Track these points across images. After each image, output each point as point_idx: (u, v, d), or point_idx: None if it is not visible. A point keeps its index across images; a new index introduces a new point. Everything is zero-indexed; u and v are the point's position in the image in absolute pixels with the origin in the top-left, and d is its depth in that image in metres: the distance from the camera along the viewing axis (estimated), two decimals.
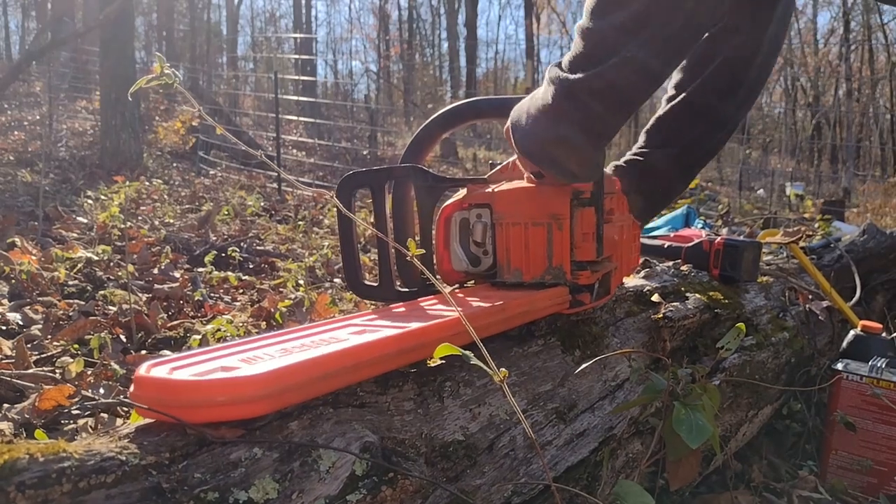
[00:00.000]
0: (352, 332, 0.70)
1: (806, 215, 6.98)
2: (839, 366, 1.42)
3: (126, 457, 0.47)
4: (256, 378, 0.52)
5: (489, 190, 1.02)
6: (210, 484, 0.48)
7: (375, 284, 1.01)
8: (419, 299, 0.92)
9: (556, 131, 0.89)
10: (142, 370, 0.54)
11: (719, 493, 1.27)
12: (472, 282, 1.06)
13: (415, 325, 0.70)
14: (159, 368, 0.55)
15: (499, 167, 1.10)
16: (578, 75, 0.84)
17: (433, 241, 1.03)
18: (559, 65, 0.90)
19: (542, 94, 0.91)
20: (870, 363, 1.41)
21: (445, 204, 1.06)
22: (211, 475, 0.49)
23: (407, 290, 1.01)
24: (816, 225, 4.41)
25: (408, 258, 0.64)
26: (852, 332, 1.57)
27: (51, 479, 0.43)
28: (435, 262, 1.03)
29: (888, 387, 1.36)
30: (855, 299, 1.84)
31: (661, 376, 0.91)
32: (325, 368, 0.58)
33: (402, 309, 0.85)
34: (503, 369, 0.59)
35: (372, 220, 0.95)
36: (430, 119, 1.15)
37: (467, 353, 0.60)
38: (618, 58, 0.82)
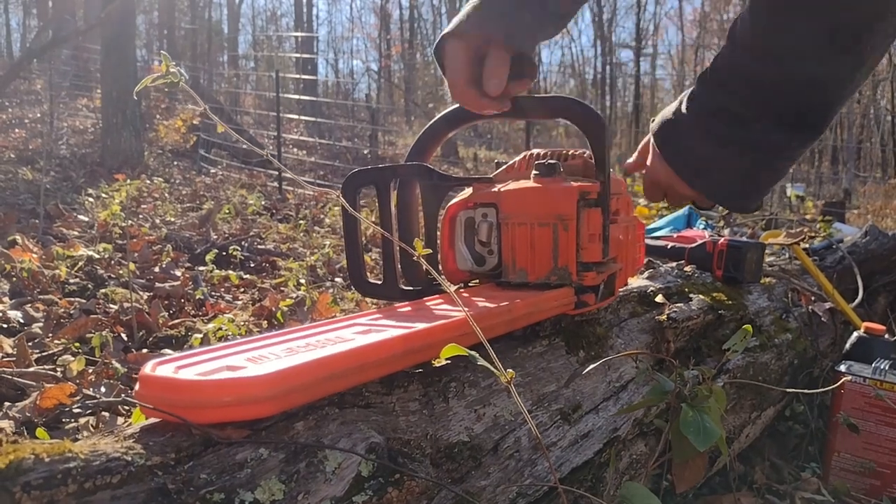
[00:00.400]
0: (357, 331, 0.69)
1: (807, 216, 6.98)
2: (842, 367, 1.42)
3: (132, 457, 0.47)
4: (263, 378, 0.52)
5: (495, 189, 1.01)
6: (216, 485, 0.48)
7: (379, 283, 1.00)
8: (424, 299, 0.91)
9: (750, 176, 0.97)
10: (147, 369, 0.54)
11: (722, 495, 1.27)
12: (477, 281, 1.06)
13: (420, 326, 0.70)
14: (164, 367, 0.54)
15: (504, 167, 1.10)
16: (793, 137, 0.90)
17: (438, 240, 1.03)
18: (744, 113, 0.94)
19: (727, 129, 0.95)
20: (873, 365, 1.41)
21: (450, 203, 1.05)
22: (217, 476, 0.48)
23: (411, 288, 1.00)
24: (817, 226, 4.40)
25: (414, 258, 0.64)
26: (855, 334, 1.57)
27: (56, 479, 0.42)
28: (439, 261, 1.03)
29: (891, 389, 1.36)
30: (857, 301, 1.84)
31: (666, 377, 0.91)
32: (332, 368, 0.58)
33: (407, 308, 0.84)
34: (510, 370, 0.59)
35: (376, 218, 0.94)
36: (435, 118, 1.14)
37: (474, 353, 0.60)
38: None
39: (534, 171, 0.98)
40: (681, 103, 1.03)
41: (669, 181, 1.07)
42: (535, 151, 1.09)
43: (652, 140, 1.08)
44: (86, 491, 0.43)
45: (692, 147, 1.01)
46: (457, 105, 1.07)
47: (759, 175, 0.99)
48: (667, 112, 1.07)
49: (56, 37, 8.80)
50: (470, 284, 1.05)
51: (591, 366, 0.85)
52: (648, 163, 1.12)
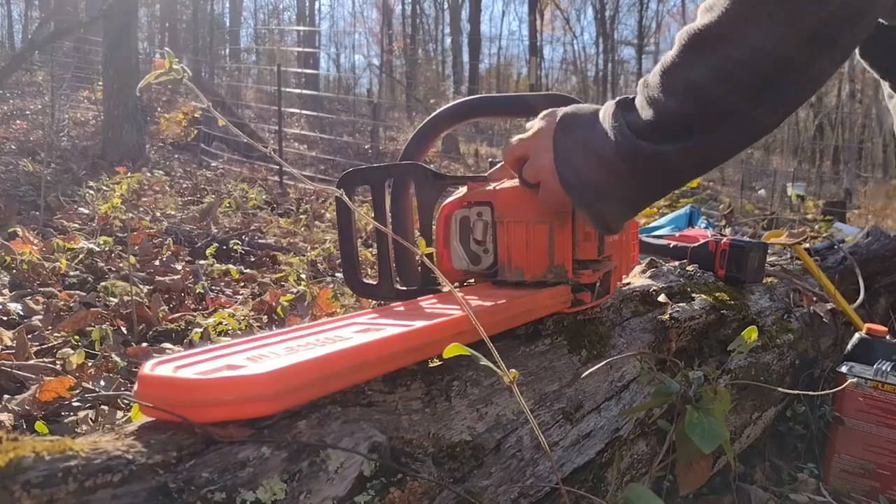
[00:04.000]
0: (356, 330, 0.69)
1: (808, 216, 6.97)
2: (843, 369, 1.41)
3: (133, 456, 0.46)
4: (264, 376, 0.52)
5: (490, 188, 1.01)
6: (217, 484, 0.47)
7: (374, 283, 1.00)
8: (418, 299, 0.91)
9: (614, 193, 0.85)
10: (146, 369, 0.54)
11: (722, 496, 1.27)
12: (472, 280, 1.05)
13: (420, 324, 0.69)
14: (163, 367, 0.54)
15: (499, 165, 1.10)
16: (657, 147, 0.80)
17: (433, 240, 1.02)
18: (629, 122, 0.82)
19: (601, 138, 0.84)
20: (874, 366, 1.40)
21: (446, 202, 1.05)
22: (218, 475, 0.48)
23: (406, 288, 1.00)
24: (818, 226, 4.40)
25: (417, 257, 0.64)
26: (857, 335, 1.56)
27: (57, 478, 0.42)
28: (435, 260, 1.03)
29: (893, 390, 1.36)
30: (858, 301, 1.83)
31: (669, 377, 0.91)
32: (332, 367, 0.57)
33: (403, 308, 0.84)
34: (513, 370, 0.59)
35: (372, 217, 0.94)
36: (431, 115, 1.14)
37: (477, 353, 0.59)
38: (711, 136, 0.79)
39: None
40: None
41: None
42: None
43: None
44: (86, 490, 0.43)
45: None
46: (452, 102, 1.07)
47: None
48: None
49: (58, 29, 8.79)
50: (465, 284, 1.05)
51: (593, 367, 0.85)
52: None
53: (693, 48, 0.77)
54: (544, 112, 0.94)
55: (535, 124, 0.94)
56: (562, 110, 0.91)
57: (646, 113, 0.81)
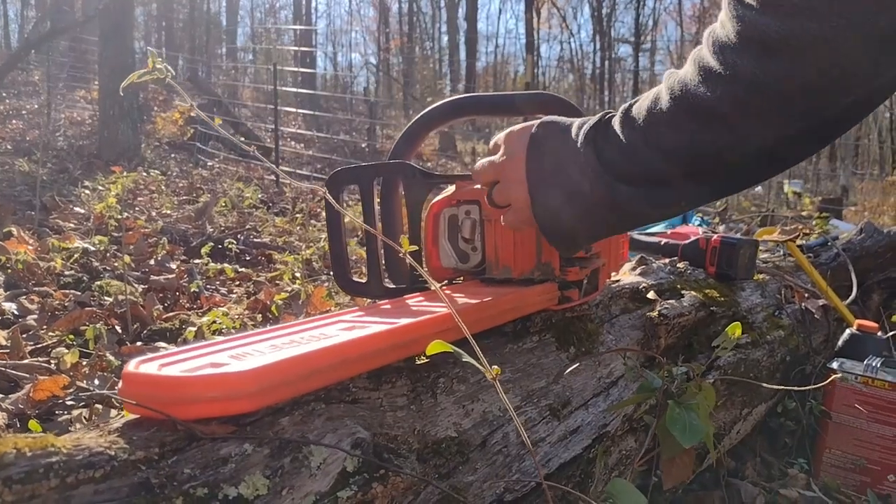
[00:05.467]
0: (341, 328, 0.69)
1: (804, 213, 6.98)
2: (834, 365, 1.42)
3: (115, 452, 0.47)
4: (246, 374, 0.52)
5: (478, 186, 1.01)
6: (200, 479, 0.48)
7: (363, 281, 1.01)
8: (405, 296, 0.91)
9: (590, 229, 0.85)
10: (130, 367, 0.54)
11: (712, 491, 1.28)
12: (461, 278, 1.06)
13: (405, 321, 0.70)
14: (148, 365, 0.54)
15: None
16: (637, 191, 0.77)
17: (422, 238, 1.03)
18: (607, 161, 0.78)
19: (576, 176, 0.80)
20: (865, 362, 1.41)
21: (434, 200, 1.06)
22: (201, 471, 0.49)
23: (395, 286, 1.01)
24: (814, 223, 4.40)
25: (400, 255, 0.64)
26: (848, 331, 1.57)
27: (38, 473, 0.42)
28: (424, 258, 1.03)
29: (883, 386, 1.36)
30: (851, 298, 1.84)
31: (656, 374, 0.91)
32: (315, 364, 0.58)
33: (389, 306, 0.85)
34: (496, 366, 0.59)
35: (360, 216, 0.95)
36: (420, 114, 1.14)
37: (459, 350, 0.60)
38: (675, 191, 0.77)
39: None
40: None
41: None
42: None
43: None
44: (68, 485, 0.43)
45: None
46: (439, 102, 1.07)
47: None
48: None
49: (54, 28, 8.78)
50: (454, 282, 1.06)
51: (577, 363, 0.85)
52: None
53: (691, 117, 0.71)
54: (512, 130, 0.90)
55: (504, 144, 0.90)
56: (532, 131, 0.86)
57: (627, 160, 0.77)
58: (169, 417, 0.50)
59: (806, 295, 1.74)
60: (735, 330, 0.90)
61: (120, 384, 0.54)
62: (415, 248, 0.65)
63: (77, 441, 0.47)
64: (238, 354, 0.58)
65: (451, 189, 1.05)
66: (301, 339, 0.63)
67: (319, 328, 0.69)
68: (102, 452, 0.46)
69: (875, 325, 1.56)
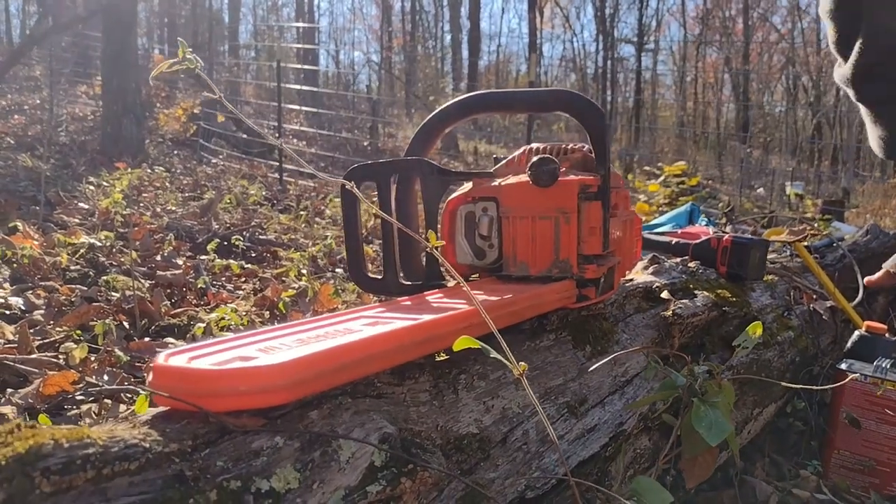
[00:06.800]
0: (365, 323, 0.70)
1: (807, 215, 6.98)
2: (843, 366, 1.42)
3: (149, 444, 0.47)
4: (277, 367, 0.52)
5: (495, 183, 1.01)
6: (232, 472, 0.48)
7: (379, 277, 1.01)
8: (423, 293, 0.91)
9: None
10: (160, 359, 0.54)
11: (722, 491, 1.28)
12: (477, 275, 1.06)
13: (427, 318, 0.70)
14: (177, 358, 0.55)
15: (504, 161, 1.10)
16: None
17: (438, 234, 1.03)
18: None
19: None
20: (874, 363, 1.41)
21: (451, 197, 1.06)
22: (233, 463, 0.49)
23: (410, 283, 1.01)
24: (817, 224, 4.41)
25: (428, 249, 0.64)
26: (857, 333, 1.57)
27: (75, 465, 0.42)
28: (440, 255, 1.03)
29: (893, 387, 1.36)
30: (857, 300, 1.84)
31: (681, 374, 0.91)
32: (344, 358, 0.58)
33: (409, 302, 0.85)
34: (522, 363, 0.59)
35: (375, 212, 0.95)
36: (437, 110, 1.14)
37: (486, 346, 0.60)
38: None
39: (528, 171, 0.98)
40: None
41: None
42: (534, 146, 1.09)
43: None
44: (104, 477, 0.43)
45: None
46: (455, 99, 1.07)
47: None
48: None
49: (56, 23, 8.77)
50: (470, 279, 1.06)
51: (599, 362, 0.85)
52: None
53: None
54: None
55: None
56: None
57: None
58: (201, 410, 0.50)
59: (814, 296, 1.74)
60: (756, 329, 0.90)
61: (149, 377, 0.54)
62: (441, 242, 0.65)
63: (111, 433, 0.47)
64: (266, 348, 0.58)
65: (467, 186, 1.05)
66: (326, 333, 0.63)
67: (343, 323, 0.69)
68: (137, 444, 0.46)
69: (883, 326, 1.56)
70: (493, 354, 0.58)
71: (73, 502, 0.41)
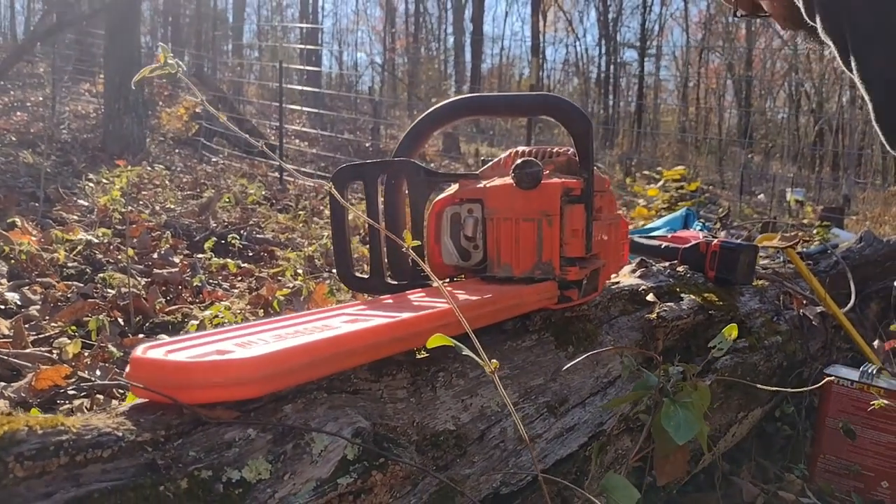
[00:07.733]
0: (344, 320, 0.71)
1: (805, 221, 6.98)
2: (830, 371, 1.43)
3: (122, 433, 0.48)
4: (250, 361, 0.53)
5: (481, 185, 1.03)
6: (204, 462, 0.49)
7: (366, 277, 1.02)
8: (407, 292, 0.93)
9: None
10: (138, 352, 0.55)
11: (707, 493, 1.29)
12: (462, 276, 1.07)
13: (406, 315, 0.71)
14: (155, 350, 0.56)
15: (490, 163, 1.11)
16: None
17: (424, 235, 1.04)
18: None
19: None
20: (860, 369, 1.42)
21: (437, 198, 1.07)
22: (205, 454, 0.50)
23: (397, 283, 1.02)
24: (815, 231, 4.41)
25: (403, 249, 0.65)
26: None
27: (49, 451, 0.44)
28: (426, 255, 1.04)
29: (878, 393, 1.37)
30: (849, 306, 1.85)
31: (654, 374, 0.92)
32: (317, 353, 0.59)
33: (391, 300, 0.86)
34: (494, 360, 0.60)
35: (358, 215, 0.96)
36: (426, 112, 1.15)
37: (459, 344, 0.61)
38: None
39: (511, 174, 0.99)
40: None
41: None
42: (520, 149, 1.11)
43: None
44: (77, 464, 0.44)
45: None
46: (443, 102, 1.09)
47: None
48: None
49: (60, 21, 8.79)
50: (456, 279, 1.07)
51: (576, 360, 0.86)
52: None
53: None
54: None
55: None
56: None
57: None
58: (175, 401, 0.51)
59: (804, 302, 1.75)
60: (731, 331, 0.91)
61: (127, 368, 0.55)
62: (417, 243, 0.66)
63: (86, 421, 0.48)
64: (243, 343, 0.59)
65: (454, 188, 1.06)
66: (305, 329, 0.65)
67: (323, 320, 0.70)
68: (110, 433, 0.47)
69: None
70: (465, 352, 0.59)
71: (46, 487, 0.42)
